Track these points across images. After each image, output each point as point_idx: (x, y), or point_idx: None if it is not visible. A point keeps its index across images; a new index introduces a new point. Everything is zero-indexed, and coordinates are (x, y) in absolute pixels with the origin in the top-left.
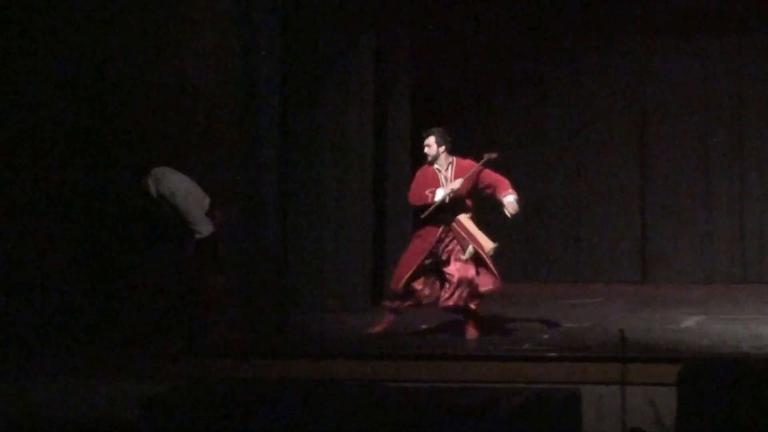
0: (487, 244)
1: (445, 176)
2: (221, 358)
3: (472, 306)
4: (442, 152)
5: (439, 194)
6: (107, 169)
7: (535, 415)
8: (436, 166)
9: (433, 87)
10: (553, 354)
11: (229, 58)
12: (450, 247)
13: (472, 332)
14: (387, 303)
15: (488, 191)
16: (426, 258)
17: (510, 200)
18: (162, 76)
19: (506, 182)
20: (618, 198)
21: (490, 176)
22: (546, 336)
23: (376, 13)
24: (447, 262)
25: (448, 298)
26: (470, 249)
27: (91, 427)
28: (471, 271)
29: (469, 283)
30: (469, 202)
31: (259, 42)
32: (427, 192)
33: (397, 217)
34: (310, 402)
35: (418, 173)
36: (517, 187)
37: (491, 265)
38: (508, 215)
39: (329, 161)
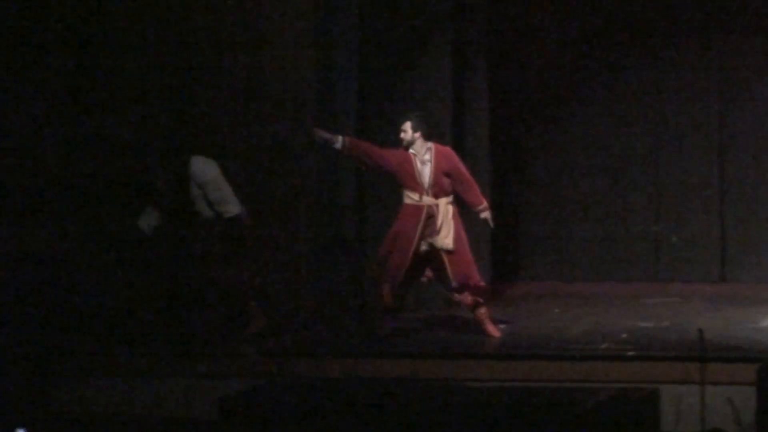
0: (447, 242)
1: (421, 160)
2: (298, 358)
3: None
4: (418, 138)
5: (338, 142)
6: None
7: (613, 415)
8: (411, 150)
9: (511, 82)
10: (632, 353)
11: (306, 53)
12: (430, 235)
13: (492, 330)
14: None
15: (458, 189)
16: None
17: (488, 216)
18: (238, 70)
19: (479, 193)
20: (697, 196)
21: (461, 175)
22: (624, 335)
23: (453, 8)
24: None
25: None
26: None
27: (168, 426)
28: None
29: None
30: (448, 186)
31: (337, 38)
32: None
33: (475, 214)
34: (388, 401)
35: (393, 150)
36: (594, 186)
37: (462, 259)
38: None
39: None
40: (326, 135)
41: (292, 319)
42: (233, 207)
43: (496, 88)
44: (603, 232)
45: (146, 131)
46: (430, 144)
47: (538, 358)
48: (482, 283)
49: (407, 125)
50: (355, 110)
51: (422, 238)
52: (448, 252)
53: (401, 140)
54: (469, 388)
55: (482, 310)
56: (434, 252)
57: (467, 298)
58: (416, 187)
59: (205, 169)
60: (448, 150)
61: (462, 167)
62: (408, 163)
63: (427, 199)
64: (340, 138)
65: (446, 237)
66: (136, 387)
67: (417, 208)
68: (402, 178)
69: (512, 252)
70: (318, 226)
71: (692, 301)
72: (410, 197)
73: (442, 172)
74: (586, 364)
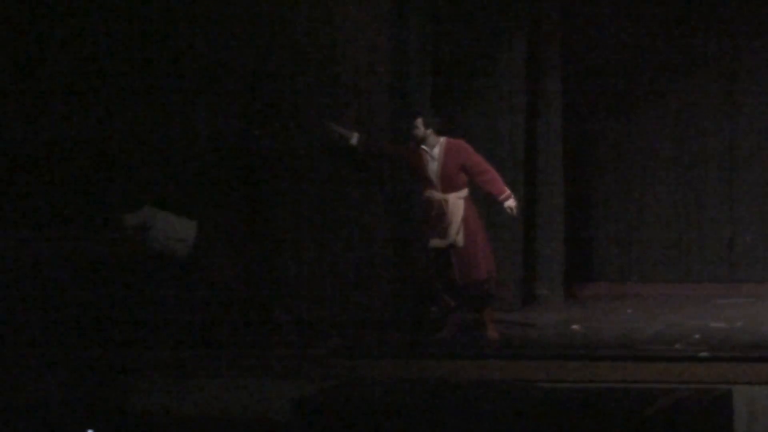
0: (457, 238)
1: (431, 155)
2: (375, 359)
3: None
4: (430, 134)
5: (354, 138)
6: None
7: (686, 416)
8: (423, 146)
9: (585, 82)
10: (705, 354)
11: (381, 57)
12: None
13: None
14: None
15: (477, 180)
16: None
17: (510, 206)
18: (313, 80)
19: (499, 180)
20: None
21: (478, 166)
22: (697, 336)
23: (528, 11)
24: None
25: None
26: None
27: (243, 426)
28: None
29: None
30: (461, 181)
31: (411, 46)
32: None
33: (549, 215)
34: (461, 403)
35: (406, 146)
36: (668, 186)
37: (473, 258)
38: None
39: (479, 153)
40: (341, 130)
41: (366, 319)
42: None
43: (569, 89)
44: (676, 233)
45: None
46: (442, 139)
47: (611, 359)
48: (489, 284)
49: (419, 121)
50: (428, 104)
51: (439, 234)
52: (458, 249)
53: (414, 136)
54: (540, 389)
55: (487, 311)
56: (448, 248)
57: (471, 298)
58: (426, 182)
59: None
60: (460, 143)
61: (477, 158)
62: (419, 158)
63: (436, 194)
64: (355, 134)
65: (456, 233)
66: (208, 387)
67: (429, 202)
68: (416, 173)
69: (585, 252)
70: (391, 228)
71: (765, 301)
72: (425, 192)
73: (453, 166)
74: (658, 364)
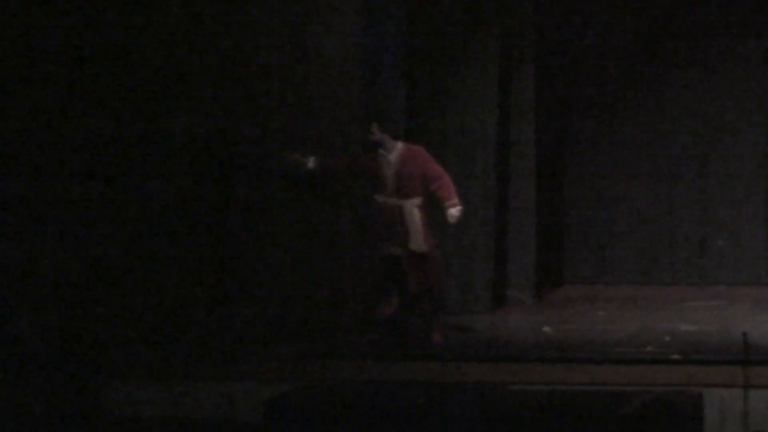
0: (419, 246)
1: (388, 161)
2: (345, 360)
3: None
4: (387, 138)
5: (311, 161)
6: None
7: (657, 418)
8: (381, 151)
9: (558, 85)
10: (676, 357)
11: (353, 62)
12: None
13: (436, 336)
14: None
15: (431, 187)
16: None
17: (453, 214)
18: (285, 81)
19: (451, 187)
20: (743, 199)
21: (432, 172)
22: (668, 339)
23: (500, 12)
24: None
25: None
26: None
27: (216, 428)
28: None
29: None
30: (417, 188)
31: (383, 47)
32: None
33: (520, 217)
34: (433, 405)
35: (362, 155)
36: (640, 189)
37: (427, 265)
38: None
39: (452, 154)
40: (296, 156)
41: (338, 321)
42: None
43: (542, 91)
44: (648, 236)
45: (191, 143)
46: (399, 144)
47: (582, 362)
48: (441, 293)
49: (374, 126)
50: (402, 118)
51: (393, 241)
52: (414, 256)
53: (368, 141)
54: (511, 392)
55: (437, 317)
56: (402, 255)
57: (423, 306)
58: (382, 187)
59: None
60: (418, 149)
61: (434, 165)
62: (375, 163)
63: (392, 201)
64: (311, 158)
65: (417, 239)
66: (181, 389)
67: (383, 208)
68: (371, 179)
69: (557, 255)
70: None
71: (737, 304)
72: (378, 198)
73: (407, 172)
74: (629, 367)
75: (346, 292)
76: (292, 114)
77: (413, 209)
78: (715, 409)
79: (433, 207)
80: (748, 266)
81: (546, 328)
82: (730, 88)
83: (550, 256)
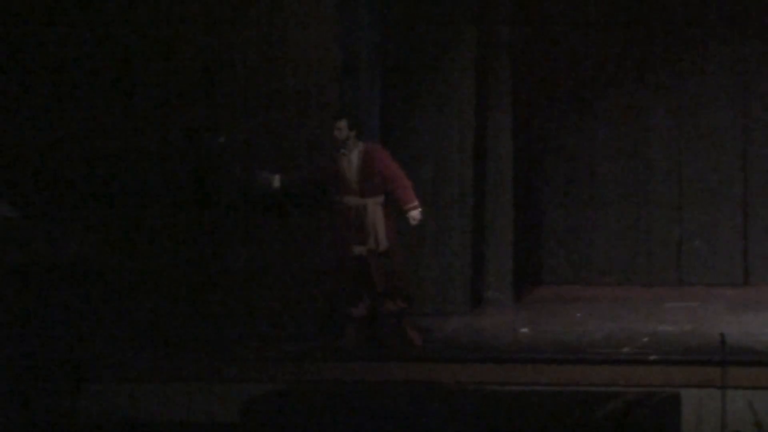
0: (382, 244)
1: (349, 160)
2: (321, 362)
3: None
4: (352, 136)
5: (276, 180)
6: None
7: (634, 419)
8: (342, 150)
9: (535, 84)
10: (653, 357)
11: (329, 59)
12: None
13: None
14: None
15: (388, 187)
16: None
17: (414, 216)
18: (261, 76)
19: (410, 189)
20: (720, 200)
21: (392, 173)
22: (645, 339)
23: (477, 12)
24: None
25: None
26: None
27: (191, 430)
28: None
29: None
30: (379, 187)
31: (360, 43)
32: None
33: (497, 217)
34: (408, 405)
35: (322, 159)
36: (617, 190)
37: (392, 264)
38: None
39: (428, 154)
40: (265, 174)
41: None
42: None
43: (519, 90)
44: (625, 236)
45: (167, 135)
46: (360, 144)
47: (560, 362)
48: (407, 290)
49: (343, 123)
50: (379, 115)
51: (357, 240)
52: (378, 255)
53: (335, 138)
54: (489, 392)
55: (406, 318)
56: (367, 255)
57: (391, 304)
58: (343, 187)
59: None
60: (377, 148)
61: (392, 165)
62: (336, 165)
63: (354, 200)
64: (277, 177)
65: (380, 237)
66: (157, 391)
67: (347, 208)
68: (334, 179)
69: (534, 255)
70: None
71: (714, 305)
72: (341, 197)
73: (370, 171)
74: (607, 367)
75: (322, 294)
76: (268, 118)
77: (376, 207)
78: (692, 410)
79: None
80: (725, 267)
81: (524, 329)
82: (707, 90)
83: (527, 256)
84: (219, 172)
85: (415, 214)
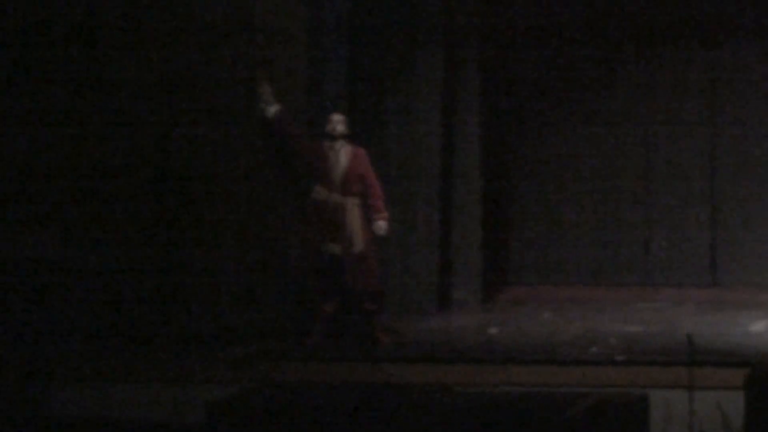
0: (358, 245)
1: (337, 157)
2: (287, 362)
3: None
4: (344, 133)
5: (270, 110)
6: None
7: (602, 420)
8: (332, 144)
9: (504, 88)
10: (621, 358)
11: (296, 50)
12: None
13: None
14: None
15: (364, 192)
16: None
17: (382, 226)
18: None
19: (382, 199)
20: (688, 202)
21: (369, 179)
22: (613, 340)
23: (445, 13)
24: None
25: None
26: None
27: (157, 430)
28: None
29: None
30: (358, 188)
31: (327, 37)
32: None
33: (466, 218)
34: (375, 406)
35: (315, 140)
36: (585, 191)
37: (366, 265)
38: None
39: (395, 154)
40: (268, 94)
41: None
42: None
43: (487, 95)
44: (594, 237)
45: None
46: (347, 143)
47: (527, 363)
48: (379, 291)
49: (341, 118)
50: (345, 110)
51: (332, 239)
52: (353, 256)
53: (330, 132)
54: (456, 393)
55: (375, 319)
56: (341, 255)
57: (362, 305)
58: (327, 182)
59: None
60: (362, 151)
61: (370, 171)
62: (325, 157)
63: (335, 197)
64: (276, 106)
65: (356, 238)
66: (123, 392)
67: (324, 204)
68: (315, 171)
69: (503, 256)
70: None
71: (682, 305)
72: (318, 192)
73: (355, 172)
74: (575, 368)
75: (289, 293)
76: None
77: (354, 208)
78: (660, 411)
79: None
80: (693, 268)
81: (492, 330)
82: (675, 90)
83: (496, 257)
84: (183, 167)
85: (383, 224)
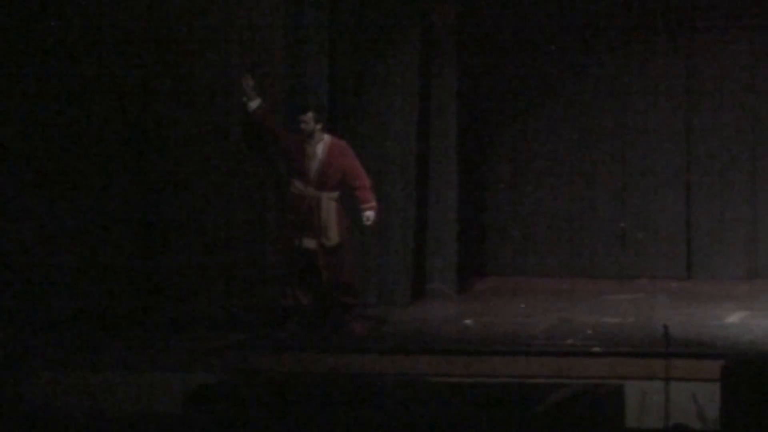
0: (332, 239)
1: (314, 151)
2: (264, 352)
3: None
4: (318, 128)
5: (251, 104)
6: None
7: (578, 411)
8: (309, 140)
9: (478, 78)
10: (597, 349)
11: (275, 49)
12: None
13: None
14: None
15: (350, 184)
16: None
17: (369, 216)
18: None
19: (369, 189)
20: (663, 193)
21: (354, 170)
22: (589, 332)
23: (423, 6)
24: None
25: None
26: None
27: (135, 420)
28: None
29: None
30: (336, 182)
31: (306, 34)
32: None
33: (441, 208)
34: (352, 397)
35: (291, 134)
36: (560, 182)
37: (340, 259)
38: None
39: (372, 146)
40: (251, 89)
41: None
42: None
43: (464, 86)
44: (569, 228)
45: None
46: (326, 137)
47: (503, 354)
48: (355, 285)
49: (309, 116)
50: (326, 106)
51: (307, 233)
52: (328, 250)
53: (302, 131)
54: (432, 384)
55: (353, 312)
56: (316, 249)
57: (337, 299)
58: (302, 176)
59: None
60: (343, 144)
61: (355, 163)
62: (301, 152)
63: (310, 191)
64: (258, 100)
65: (331, 233)
66: (100, 380)
67: (300, 198)
68: (291, 164)
69: (478, 247)
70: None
71: (658, 297)
72: (295, 186)
73: (332, 166)
74: (550, 359)
75: (266, 284)
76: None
77: (330, 202)
78: (636, 402)
79: (349, 202)
80: (668, 259)
81: (467, 321)
82: (649, 82)
83: (471, 248)
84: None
85: (370, 215)
